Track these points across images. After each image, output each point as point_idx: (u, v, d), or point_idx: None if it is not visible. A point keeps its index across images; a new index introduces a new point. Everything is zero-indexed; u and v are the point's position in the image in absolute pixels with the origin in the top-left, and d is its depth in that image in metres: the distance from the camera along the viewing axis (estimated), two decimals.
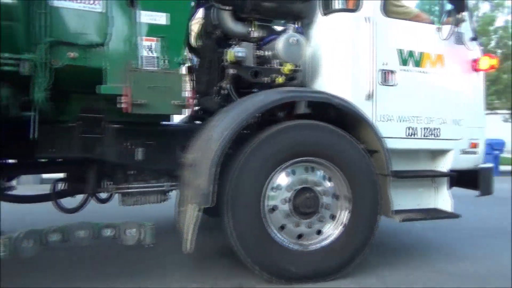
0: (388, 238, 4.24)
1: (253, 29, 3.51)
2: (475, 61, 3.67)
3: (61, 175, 3.96)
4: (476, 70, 3.69)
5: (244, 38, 3.51)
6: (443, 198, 3.59)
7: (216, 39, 3.64)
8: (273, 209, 2.97)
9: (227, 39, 3.64)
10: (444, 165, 3.59)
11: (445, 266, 3.41)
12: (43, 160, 3.78)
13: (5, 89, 2.62)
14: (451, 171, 3.56)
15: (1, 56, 2.53)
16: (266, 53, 3.43)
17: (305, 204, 3.02)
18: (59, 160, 3.77)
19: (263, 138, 2.90)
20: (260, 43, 3.54)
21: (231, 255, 3.16)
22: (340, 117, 3.20)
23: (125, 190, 3.58)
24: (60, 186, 3.84)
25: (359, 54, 3.29)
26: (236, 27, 3.50)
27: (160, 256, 3.55)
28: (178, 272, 3.20)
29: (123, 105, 2.85)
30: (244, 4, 3.40)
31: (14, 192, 3.90)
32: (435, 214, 3.53)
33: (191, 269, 3.31)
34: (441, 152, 3.61)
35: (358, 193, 3.09)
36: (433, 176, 3.56)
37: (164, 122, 4.01)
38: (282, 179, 3.00)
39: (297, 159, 2.98)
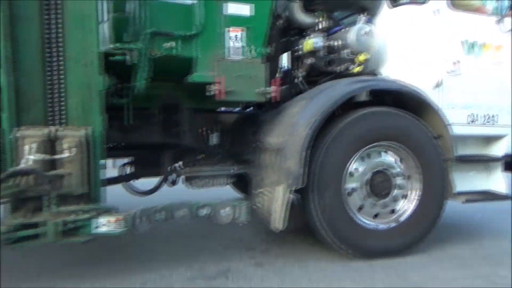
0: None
1: (321, 20, 3.68)
2: None
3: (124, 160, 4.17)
4: None
5: (312, 29, 3.69)
6: (497, 181, 3.82)
7: (281, 29, 3.81)
8: (352, 191, 3.18)
9: (291, 30, 3.82)
10: (499, 149, 3.82)
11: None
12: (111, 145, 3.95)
13: (111, 78, 2.78)
14: (506, 155, 3.79)
15: (114, 47, 2.70)
16: (336, 43, 3.60)
17: (381, 185, 3.24)
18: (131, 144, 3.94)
19: (346, 123, 3.10)
20: (326, 33, 3.72)
21: (217, 239, 3.45)
22: (401, 103, 3.39)
23: (196, 174, 3.78)
24: (128, 169, 4.04)
25: (428, 45, 3.50)
26: (305, 18, 3.69)
27: (146, 242, 3.59)
28: (165, 257, 3.26)
29: (215, 92, 3.02)
30: None
31: None
32: (490, 196, 3.77)
33: (179, 254, 3.32)
34: (496, 138, 3.83)
35: (428, 174, 3.31)
36: (492, 161, 3.79)
37: (233, 110, 4.22)
38: (360, 163, 3.21)
39: (375, 143, 3.19)
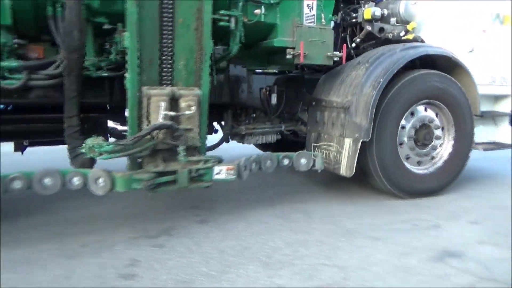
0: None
1: None
2: None
3: None
4: None
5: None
6: (504, 133, 4.58)
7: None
8: (403, 142, 3.76)
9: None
10: (507, 106, 4.54)
11: None
12: None
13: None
14: None
15: (221, 13, 2.97)
16: (386, 12, 4.04)
17: (424, 137, 3.84)
18: None
19: (402, 84, 3.61)
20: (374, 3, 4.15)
21: (162, 198, 3.62)
22: (436, 66, 3.92)
23: (251, 131, 4.20)
24: None
25: (463, 16, 4.13)
26: None
27: (87, 204, 3.56)
28: (107, 219, 3.22)
29: (295, 56, 3.39)
30: None
31: None
32: (500, 145, 4.53)
33: (122, 216, 3.30)
34: (505, 96, 4.55)
35: (460, 127, 3.95)
36: (501, 115, 4.52)
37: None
38: (408, 118, 3.77)
39: (422, 101, 3.76)
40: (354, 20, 4.07)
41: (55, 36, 2.79)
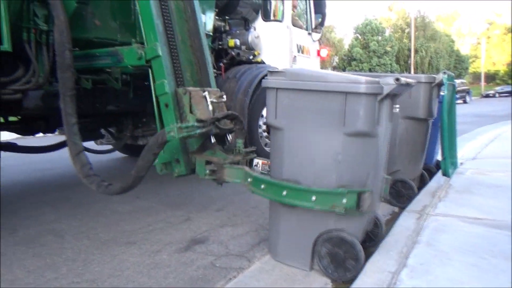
0: None
1: (225, 25, 5.49)
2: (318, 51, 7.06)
3: None
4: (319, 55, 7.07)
5: (223, 30, 5.46)
6: None
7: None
8: (261, 136, 5.09)
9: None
10: None
11: None
12: None
13: None
14: None
15: None
16: (239, 41, 5.40)
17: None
18: None
19: (258, 92, 4.96)
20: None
21: None
22: None
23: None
24: None
25: (285, 46, 6.08)
26: (219, 23, 5.34)
27: None
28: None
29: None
30: (227, 8, 5.29)
31: None
32: None
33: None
34: None
35: None
36: None
37: None
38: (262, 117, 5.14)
39: None
40: (220, 47, 5.39)
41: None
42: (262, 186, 2.37)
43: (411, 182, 3.57)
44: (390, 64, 30.96)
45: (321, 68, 8.69)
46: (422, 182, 3.92)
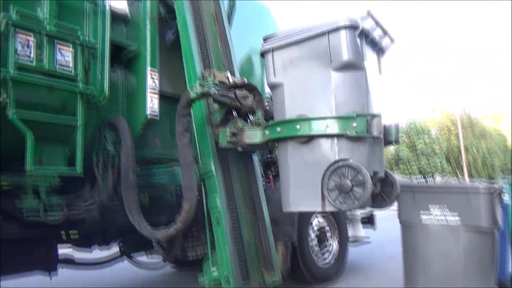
0: None
1: None
2: None
3: None
4: None
5: None
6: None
7: None
8: None
9: None
10: None
11: None
12: None
13: None
14: None
15: None
16: None
17: None
18: None
19: None
20: None
21: None
22: None
23: None
24: None
25: None
26: None
27: None
28: None
29: None
30: None
31: None
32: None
33: None
34: None
35: None
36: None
37: None
38: None
39: None
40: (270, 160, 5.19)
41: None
42: (278, 129, 2.60)
43: None
44: (441, 164, 29.79)
45: None
46: None
